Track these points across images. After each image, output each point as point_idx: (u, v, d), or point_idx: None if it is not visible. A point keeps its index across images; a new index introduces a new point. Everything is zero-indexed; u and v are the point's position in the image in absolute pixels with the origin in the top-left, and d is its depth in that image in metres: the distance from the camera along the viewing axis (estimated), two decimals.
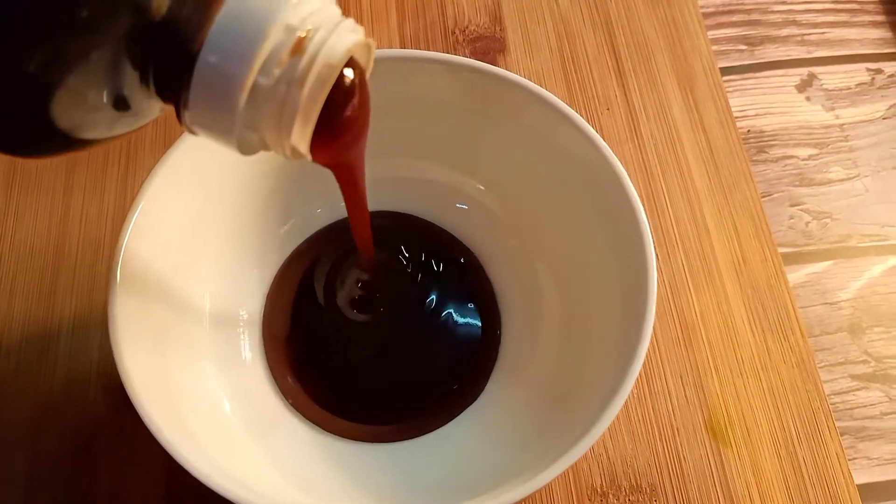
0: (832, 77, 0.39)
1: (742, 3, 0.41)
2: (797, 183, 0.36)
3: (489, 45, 0.38)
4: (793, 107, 0.38)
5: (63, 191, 0.34)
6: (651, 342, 0.23)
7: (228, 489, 0.21)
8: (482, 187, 0.30)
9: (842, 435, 0.30)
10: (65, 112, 0.16)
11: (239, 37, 0.16)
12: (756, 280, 0.33)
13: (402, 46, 0.38)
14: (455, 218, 0.31)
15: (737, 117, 0.37)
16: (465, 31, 0.38)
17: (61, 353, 0.30)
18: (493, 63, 0.37)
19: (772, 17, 0.40)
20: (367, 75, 0.20)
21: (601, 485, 0.29)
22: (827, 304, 0.34)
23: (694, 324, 0.32)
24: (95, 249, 0.32)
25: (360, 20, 0.38)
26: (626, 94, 0.37)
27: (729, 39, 0.40)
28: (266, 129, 0.18)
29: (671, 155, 0.35)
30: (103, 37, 0.15)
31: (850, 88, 0.39)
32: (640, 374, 0.23)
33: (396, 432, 0.28)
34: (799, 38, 0.40)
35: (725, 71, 0.38)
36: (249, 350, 0.29)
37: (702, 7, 0.40)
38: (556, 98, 0.27)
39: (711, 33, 0.39)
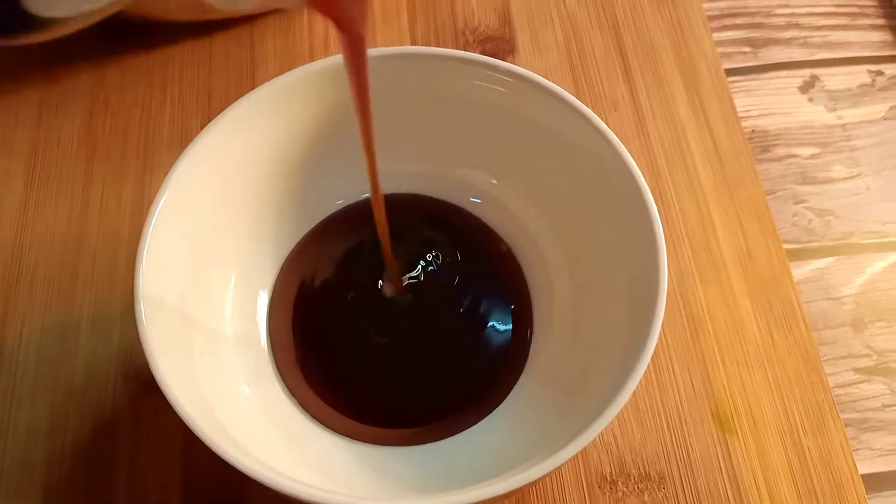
0: (834, 79, 0.40)
1: (746, 7, 0.41)
2: (800, 181, 0.37)
3: (498, 46, 0.39)
4: (796, 107, 0.39)
5: (82, 184, 0.34)
6: (659, 334, 0.24)
7: (287, 484, 0.21)
8: (495, 182, 0.31)
9: (845, 426, 0.31)
10: None
11: None
12: (761, 275, 0.33)
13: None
14: (469, 211, 0.32)
15: (741, 117, 0.38)
16: (475, 31, 0.39)
17: (81, 343, 0.31)
18: None
19: (775, 20, 0.41)
20: None
21: (610, 473, 0.30)
22: (830, 299, 0.34)
23: (701, 317, 0.32)
24: (114, 242, 0.33)
25: (371, 20, 0.39)
26: (632, 94, 0.37)
27: (733, 41, 0.40)
28: None
29: (678, 153, 0.36)
30: None
31: (852, 90, 0.39)
32: (648, 365, 0.24)
33: (425, 434, 0.28)
34: (801, 41, 0.41)
35: (730, 72, 0.39)
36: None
37: (706, 10, 0.40)
38: (569, 94, 0.27)
39: (716, 35, 0.40)
